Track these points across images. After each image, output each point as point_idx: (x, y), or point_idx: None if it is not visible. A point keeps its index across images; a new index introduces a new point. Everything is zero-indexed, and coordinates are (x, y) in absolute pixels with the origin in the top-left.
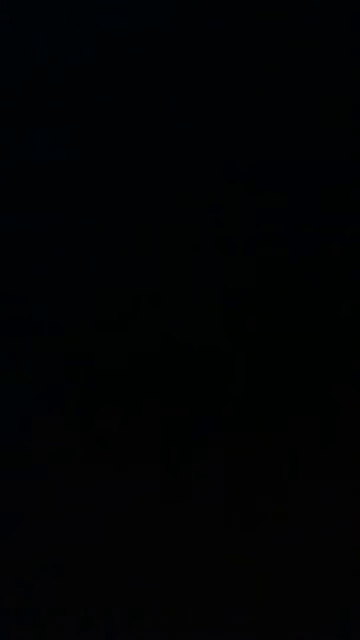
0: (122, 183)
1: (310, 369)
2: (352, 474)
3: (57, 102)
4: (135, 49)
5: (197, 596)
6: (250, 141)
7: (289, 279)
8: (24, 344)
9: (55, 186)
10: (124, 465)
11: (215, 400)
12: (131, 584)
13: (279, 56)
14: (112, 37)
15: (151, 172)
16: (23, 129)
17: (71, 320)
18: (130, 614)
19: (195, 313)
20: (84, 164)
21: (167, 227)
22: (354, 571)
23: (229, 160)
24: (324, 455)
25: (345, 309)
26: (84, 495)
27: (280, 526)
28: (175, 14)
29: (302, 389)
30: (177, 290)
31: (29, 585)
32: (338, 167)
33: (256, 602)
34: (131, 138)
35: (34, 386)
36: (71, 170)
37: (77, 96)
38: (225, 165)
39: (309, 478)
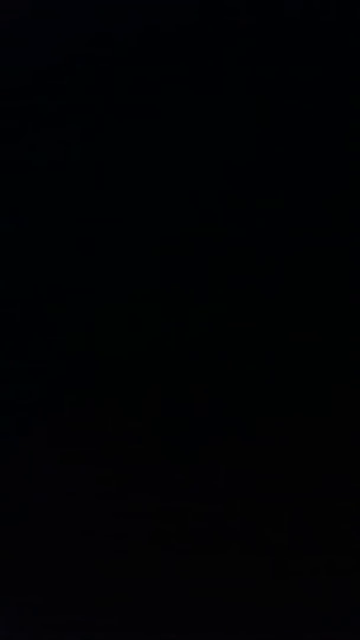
0: (122, 182)
1: (310, 367)
2: (353, 472)
3: (56, 101)
4: (135, 49)
5: (196, 596)
6: (251, 142)
7: (288, 277)
8: (23, 342)
9: (55, 186)
10: (123, 464)
11: (214, 399)
12: (130, 584)
13: (279, 57)
14: (113, 37)
15: (151, 171)
16: (22, 129)
17: (71, 317)
18: (129, 615)
19: (195, 311)
20: (84, 164)
21: (166, 225)
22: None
23: (230, 161)
24: (325, 452)
25: (345, 310)
26: (83, 495)
27: (280, 524)
28: (176, 14)
29: (301, 387)
30: (176, 289)
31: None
32: (338, 168)
33: (256, 602)
34: (131, 138)
35: (33, 385)
36: (70, 170)
37: (77, 96)
38: (225, 166)
39: (309, 474)
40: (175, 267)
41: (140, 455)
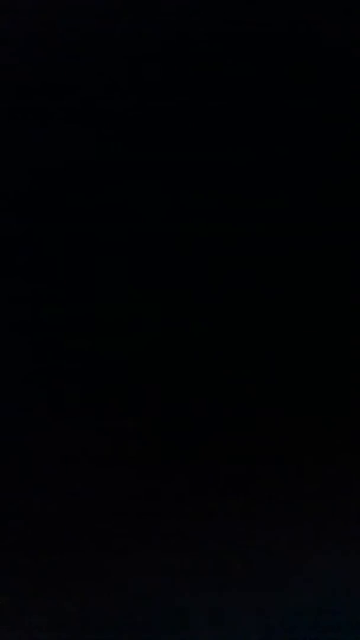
0: (122, 183)
1: (310, 368)
2: (351, 467)
3: (58, 102)
4: (135, 50)
5: (195, 596)
6: (250, 144)
7: (287, 277)
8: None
9: (55, 187)
10: (124, 459)
11: (215, 396)
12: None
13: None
14: (112, 39)
15: (151, 172)
16: (24, 130)
17: (76, 315)
18: (129, 614)
19: (195, 310)
20: (85, 165)
21: (166, 226)
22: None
23: (229, 162)
24: (325, 445)
25: (345, 311)
26: (84, 491)
27: (279, 520)
28: (175, 16)
29: (300, 384)
30: (177, 287)
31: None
32: (337, 169)
33: (256, 599)
34: (131, 139)
35: (37, 382)
36: (72, 171)
37: (77, 96)
38: (225, 167)
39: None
40: (175, 268)
41: (141, 456)
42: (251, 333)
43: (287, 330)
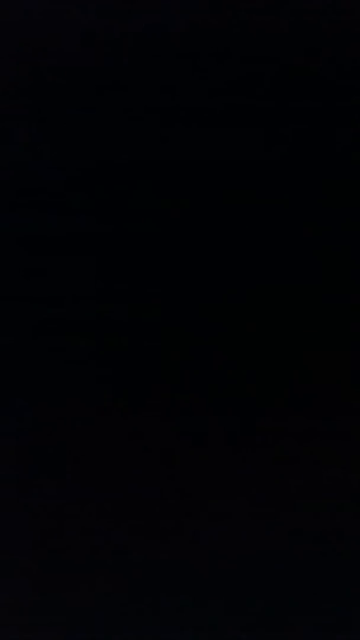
0: (123, 183)
1: (309, 369)
2: (352, 462)
3: (57, 102)
4: (135, 50)
5: (195, 596)
6: (250, 146)
7: (286, 278)
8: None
9: (57, 187)
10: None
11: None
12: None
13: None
14: (111, 39)
15: (151, 174)
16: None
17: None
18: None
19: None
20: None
21: (167, 226)
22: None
23: (230, 162)
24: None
25: (344, 311)
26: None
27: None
28: (174, 17)
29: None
30: (178, 285)
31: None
32: (337, 170)
33: (255, 602)
34: (130, 139)
35: (41, 375)
36: (73, 172)
37: (76, 97)
38: (226, 167)
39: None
40: (176, 267)
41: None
42: (251, 333)
43: (287, 331)
